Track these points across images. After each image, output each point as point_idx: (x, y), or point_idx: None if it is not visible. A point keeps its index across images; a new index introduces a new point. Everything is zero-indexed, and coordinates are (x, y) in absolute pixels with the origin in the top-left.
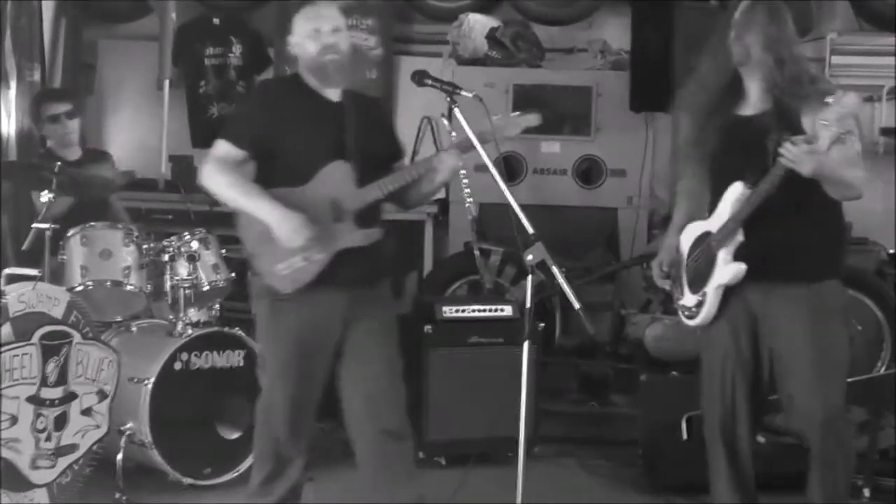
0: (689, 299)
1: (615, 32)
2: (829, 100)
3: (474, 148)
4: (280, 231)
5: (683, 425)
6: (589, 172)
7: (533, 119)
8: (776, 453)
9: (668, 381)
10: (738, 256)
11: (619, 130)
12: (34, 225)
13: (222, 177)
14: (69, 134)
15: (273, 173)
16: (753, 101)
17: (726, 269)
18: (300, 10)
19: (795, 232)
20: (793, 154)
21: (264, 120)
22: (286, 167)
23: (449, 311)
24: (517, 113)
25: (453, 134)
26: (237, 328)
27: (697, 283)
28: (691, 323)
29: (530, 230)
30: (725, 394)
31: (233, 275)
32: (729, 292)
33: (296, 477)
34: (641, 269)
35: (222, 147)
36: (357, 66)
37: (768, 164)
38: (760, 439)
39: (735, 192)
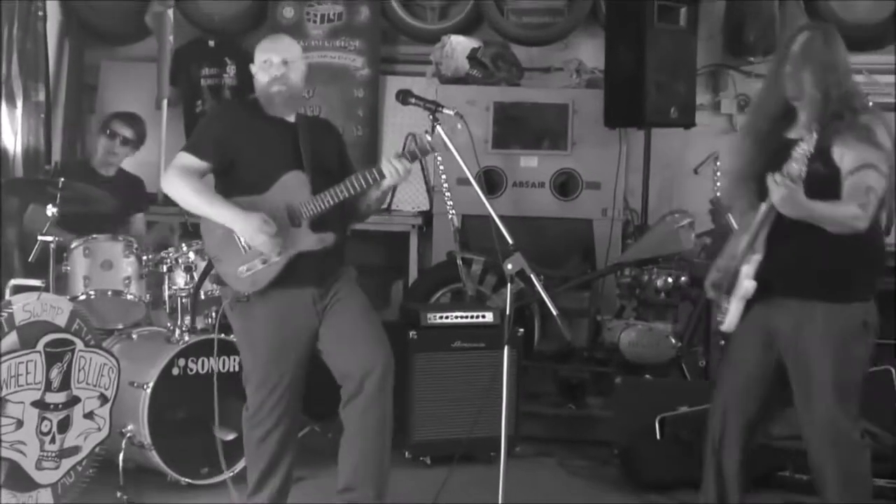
0: (724, 307)
1: (590, 53)
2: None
3: (421, 157)
4: (245, 232)
5: (657, 426)
6: (566, 185)
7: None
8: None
9: (641, 384)
10: (759, 272)
11: (594, 145)
12: (40, 237)
13: (187, 184)
14: (115, 154)
15: (235, 183)
16: (800, 127)
17: (743, 285)
18: (260, 42)
19: (818, 252)
20: (769, 184)
21: (224, 135)
22: (247, 178)
23: (433, 318)
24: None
25: (437, 155)
26: (232, 335)
27: (730, 294)
28: (721, 328)
29: (510, 240)
30: (726, 405)
31: (226, 284)
32: (751, 306)
33: (284, 476)
34: (616, 278)
35: (184, 158)
36: (300, 99)
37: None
38: None
39: (761, 211)
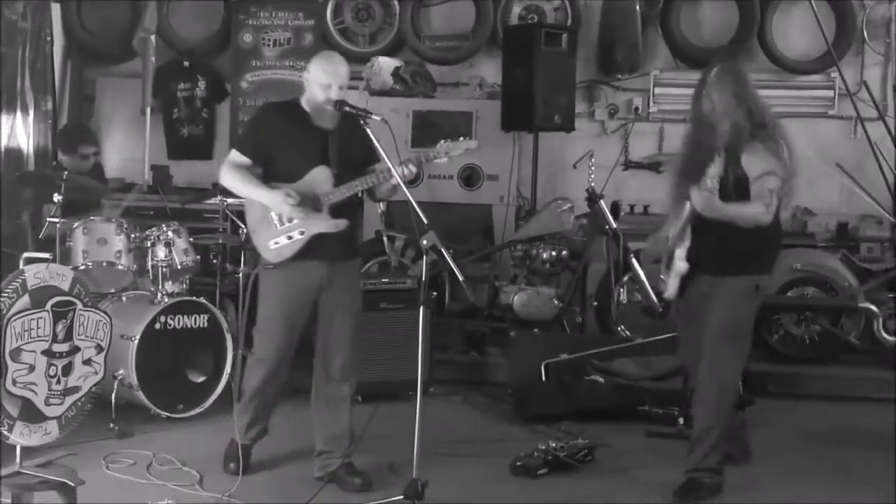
0: (662, 278)
1: (490, 71)
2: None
3: (425, 163)
4: (275, 205)
5: (542, 370)
6: (470, 177)
7: (472, 143)
8: (611, 391)
9: (530, 336)
10: (689, 255)
11: (494, 145)
12: (48, 219)
13: (234, 174)
14: (87, 166)
15: (274, 173)
16: (717, 136)
17: (677, 265)
18: (319, 58)
19: (731, 240)
20: (692, 194)
21: (264, 136)
22: (283, 168)
23: (364, 284)
24: (462, 138)
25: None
26: (202, 297)
27: (668, 268)
28: (665, 296)
29: (425, 221)
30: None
31: (198, 257)
32: (687, 283)
33: (267, 419)
34: (510, 251)
35: (233, 154)
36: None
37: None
38: (599, 379)
39: (687, 211)
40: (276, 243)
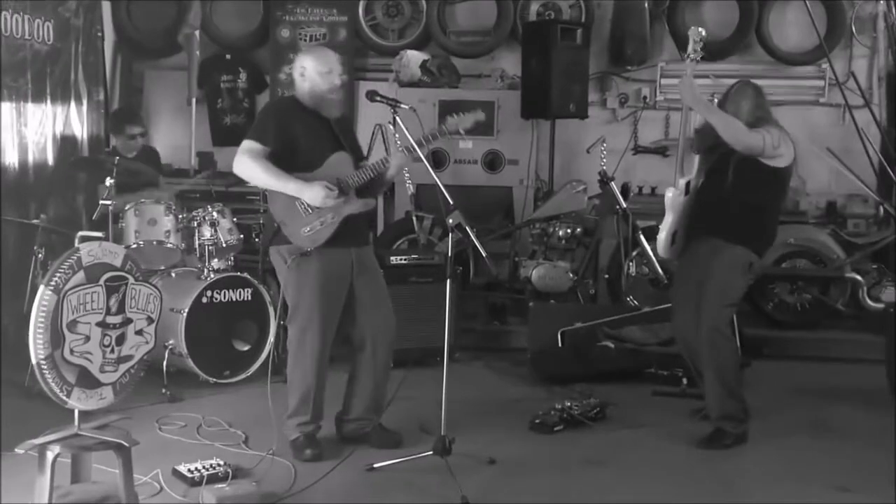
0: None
1: (510, 63)
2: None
3: (421, 148)
4: (314, 200)
5: (559, 337)
6: (493, 162)
7: (480, 115)
8: (621, 355)
9: (548, 307)
10: (693, 219)
11: (514, 132)
12: (101, 201)
13: (257, 164)
14: (136, 147)
15: (292, 163)
16: None
17: (667, 195)
18: (311, 51)
19: (729, 204)
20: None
21: (283, 124)
22: (301, 157)
23: (395, 260)
24: (471, 111)
25: (397, 136)
26: (246, 273)
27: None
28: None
29: (451, 202)
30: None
31: (241, 236)
32: (690, 245)
33: (321, 398)
34: (529, 229)
35: (249, 144)
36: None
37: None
38: (610, 345)
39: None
40: (309, 230)
